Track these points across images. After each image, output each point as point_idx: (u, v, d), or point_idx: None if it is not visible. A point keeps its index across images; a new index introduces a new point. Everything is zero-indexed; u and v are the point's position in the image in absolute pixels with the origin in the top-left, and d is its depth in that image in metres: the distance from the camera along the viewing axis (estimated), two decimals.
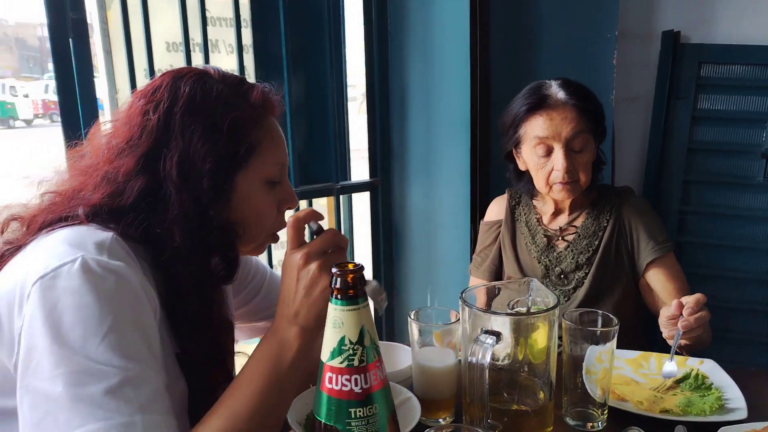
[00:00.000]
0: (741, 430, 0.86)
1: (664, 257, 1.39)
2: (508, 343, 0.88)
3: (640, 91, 2.04)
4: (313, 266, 0.76)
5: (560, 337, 0.99)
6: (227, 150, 0.82)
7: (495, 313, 0.83)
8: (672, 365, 1.08)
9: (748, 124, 1.93)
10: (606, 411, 0.95)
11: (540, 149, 1.39)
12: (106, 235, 0.77)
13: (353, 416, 0.59)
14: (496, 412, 0.84)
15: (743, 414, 0.93)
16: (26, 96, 18.22)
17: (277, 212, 0.91)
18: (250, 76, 1.97)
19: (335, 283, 0.59)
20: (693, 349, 1.20)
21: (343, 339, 0.59)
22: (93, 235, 0.76)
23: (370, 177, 2.22)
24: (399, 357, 1.10)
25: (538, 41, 1.90)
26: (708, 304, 2.04)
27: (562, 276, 1.46)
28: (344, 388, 0.59)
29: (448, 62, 1.95)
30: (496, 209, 1.67)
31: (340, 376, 0.59)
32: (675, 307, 1.11)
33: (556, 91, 1.39)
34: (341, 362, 0.59)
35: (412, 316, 0.98)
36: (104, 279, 0.71)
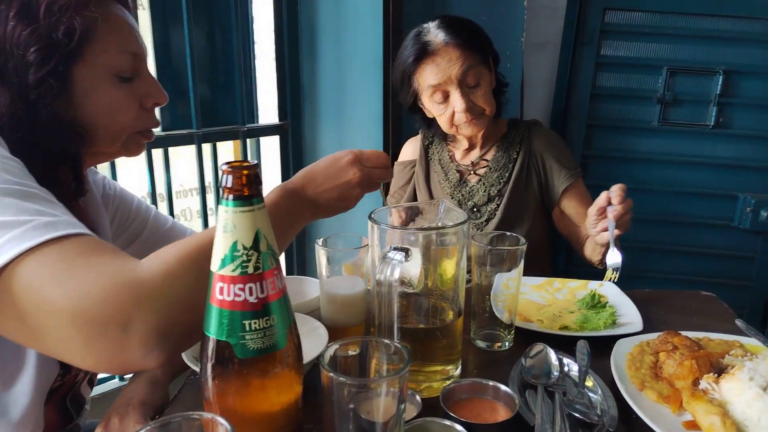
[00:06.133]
0: (635, 341, 0.89)
1: (575, 183, 1.44)
2: (419, 265, 0.86)
3: (549, 37, 2.06)
4: (356, 170, 0.80)
5: (469, 271, 0.99)
6: (51, 37, 0.71)
7: (404, 229, 0.79)
8: (615, 254, 1.15)
9: (647, 70, 2.02)
10: (513, 332, 0.96)
11: (437, 96, 1.37)
12: None
13: (248, 329, 0.53)
14: (405, 334, 0.82)
15: (637, 327, 0.97)
16: None
17: (139, 108, 0.83)
18: (144, 7, 1.79)
19: (225, 182, 0.53)
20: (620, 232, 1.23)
21: (235, 244, 0.53)
22: None
23: (280, 120, 2.13)
24: (307, 289, 1.05)
25: None
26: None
27: (474, 209, 1.49)
28: (237, 299, 0.53)
29: (361, 1, 1.87)
30: (410, 149, 1.66)
31: (232, 286, 0.53)
32: (603, 199, 1.15)
33: (435, 33, 1.36)
34: (233, 270, 0.53)
35: (320, 243, 0.93)
36: None
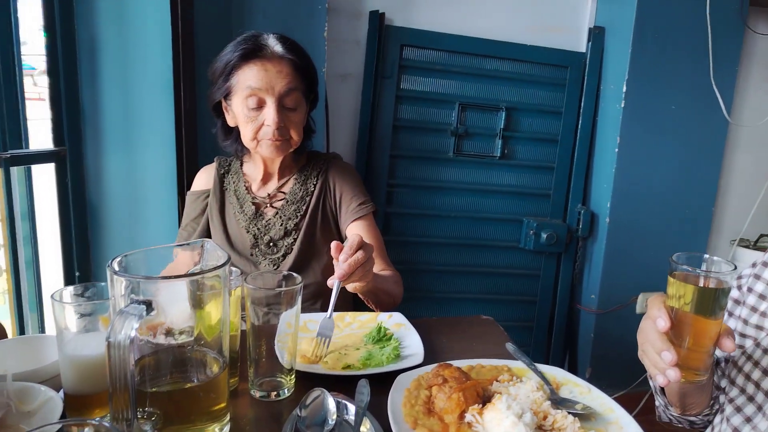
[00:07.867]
0: (414, 375, 0.89)
1: (363, 218, 1.43)
2: (181, 314, 0.76)
3: (352, 69, 2.10)
4: None
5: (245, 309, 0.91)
6: None
7: (146, 278, 0.69)
8: (328, 322, 1.03)
9: (442, 104, 2.15)
10: (293, 377, 0.90)
11: (252, 101, 1.31)
12: None
13: None
14: (157, 397, 0.71)
15: (418, 360, 0.97)
16: None
17: None
18: None
19: None
20: (384, 306, 1.25)
21: None
22: None
23: (55, 146, 1.85)
24: (47, 351, 0.88)
25: (247, 3, 1.80)
26: (412, 268, 2.24)
27: (271, 244, 1.41)
28: None
29: (148, 18, 1.71)
30: (204, 178, 1.55)
31: None
32: (334, 249, 1.04)
33: (274, 43, 1.33)
34: None
35: (58, 297, 0.78)
36: None
